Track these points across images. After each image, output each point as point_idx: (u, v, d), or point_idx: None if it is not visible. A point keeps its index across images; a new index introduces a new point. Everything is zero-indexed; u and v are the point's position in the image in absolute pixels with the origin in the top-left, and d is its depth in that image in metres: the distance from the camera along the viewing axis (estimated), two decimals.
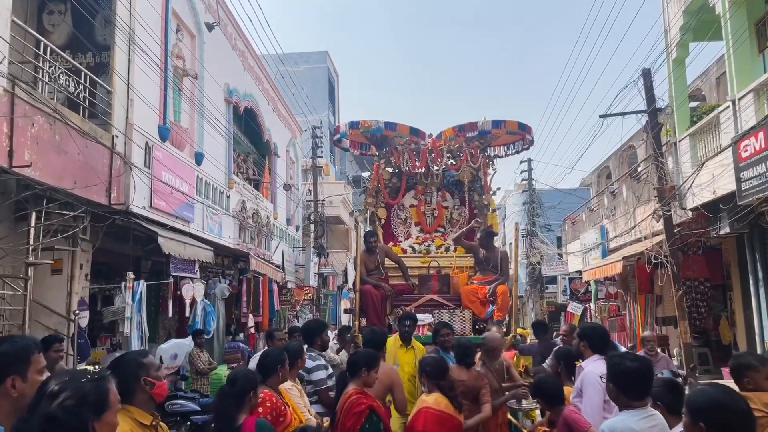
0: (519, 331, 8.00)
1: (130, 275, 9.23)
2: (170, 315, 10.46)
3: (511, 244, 8.94)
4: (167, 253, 9.74)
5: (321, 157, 23.89)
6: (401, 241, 9.28)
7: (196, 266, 11.22)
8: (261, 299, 12.55)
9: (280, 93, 20.19)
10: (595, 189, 23.05)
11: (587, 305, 16.76)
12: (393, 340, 6.51)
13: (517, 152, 10.00)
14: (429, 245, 9.10)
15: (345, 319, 24.08)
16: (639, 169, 15.48)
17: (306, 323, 6.95)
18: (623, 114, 12.54)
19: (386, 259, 8.45)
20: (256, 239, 16.25)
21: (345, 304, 25.18)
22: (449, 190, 9.78)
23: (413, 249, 9.07)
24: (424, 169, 9.55)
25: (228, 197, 14.40)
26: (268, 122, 18.30)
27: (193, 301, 11.09)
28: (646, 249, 12.66)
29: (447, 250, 9.05)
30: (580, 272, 22.33)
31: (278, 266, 17.35)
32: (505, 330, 8.15)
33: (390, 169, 9.51)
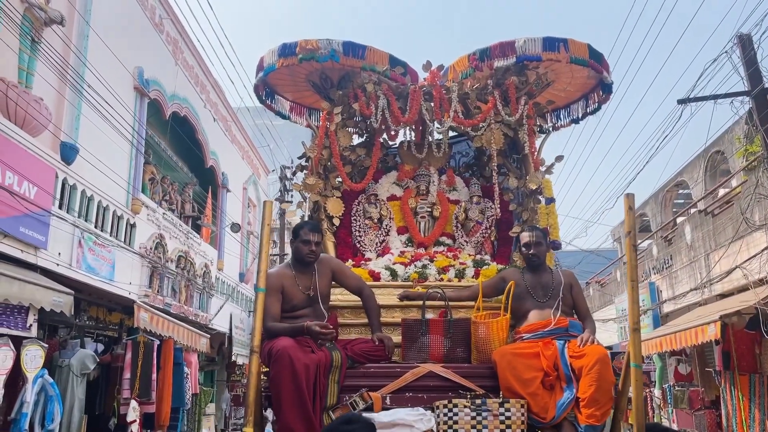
0: None
1: None
2: None
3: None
4: None
5: (290, 202, 19.53)
6: (371, 260, 4.81)
7: (30, 318, 6.65)
8: (155, 377, 7.87)
9: (236, 116, 16.06)
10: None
11: (648, 391, 12.04)
12: None
13: (576, 120, 5.74)
14: (425, 268, 4.62)
15: None
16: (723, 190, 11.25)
17: None
18: (714, 97, 8.36)
19: (333, 284, 3.99)
20: (183, 293, 11.67)
21: None
22: (461, 172, 5.45)
23: (394, 274, 4.59)
24: (414, 132, 5.24)
25: (132, 226, 9.96)
26: (214, 144, 14.06)
27: (20, 376, 6.47)
28: (757, 302, 8.22)
29: (459, 276, 4.57)
30: (610, 347, 17.71)
31: (211, 330, 12.64)
32: None
33: (351, 129, 5.17)
